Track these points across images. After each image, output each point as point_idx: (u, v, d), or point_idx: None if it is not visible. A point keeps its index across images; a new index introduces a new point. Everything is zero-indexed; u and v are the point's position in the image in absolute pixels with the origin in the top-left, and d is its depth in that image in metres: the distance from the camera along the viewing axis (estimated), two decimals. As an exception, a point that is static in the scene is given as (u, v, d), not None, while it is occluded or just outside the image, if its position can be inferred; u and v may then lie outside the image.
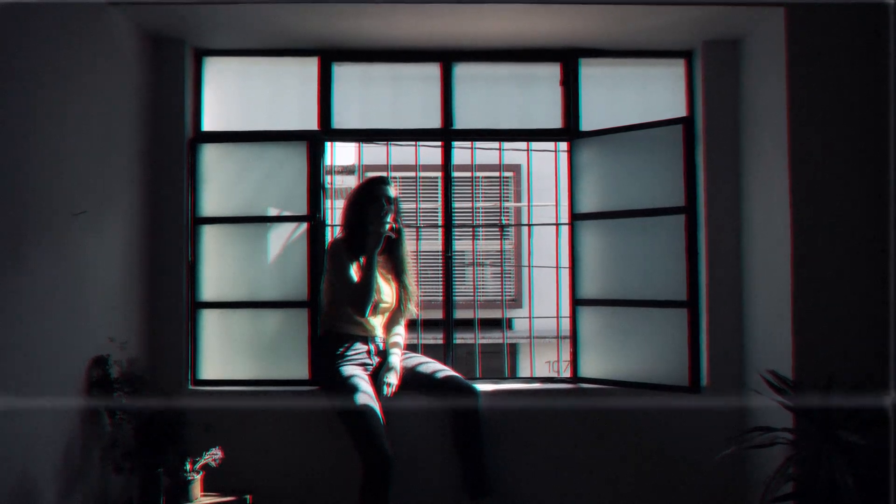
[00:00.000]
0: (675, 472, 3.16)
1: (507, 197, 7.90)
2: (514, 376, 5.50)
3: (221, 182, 3.29)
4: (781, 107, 2.88)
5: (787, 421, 2.77)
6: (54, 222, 2.48)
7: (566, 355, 3.44)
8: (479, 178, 7.68)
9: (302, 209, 3.24)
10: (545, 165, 5.45)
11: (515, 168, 7.78)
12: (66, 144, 2.55)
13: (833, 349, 2.82)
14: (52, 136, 2.46)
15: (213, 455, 2.85)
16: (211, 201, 3.28)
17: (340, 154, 8.20)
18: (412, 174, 6.95)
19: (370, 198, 3.06)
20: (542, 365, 7.47)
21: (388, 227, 3.04)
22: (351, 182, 7.94)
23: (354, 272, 3.02)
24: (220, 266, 3.27)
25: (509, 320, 8.21)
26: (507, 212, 7.92)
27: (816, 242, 2.85)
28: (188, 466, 2.78)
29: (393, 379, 3.02)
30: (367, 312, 3.00)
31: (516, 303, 8.01)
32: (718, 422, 3.13)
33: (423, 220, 7.05)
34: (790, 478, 2.61)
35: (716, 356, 3.18)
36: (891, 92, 2.62)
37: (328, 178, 3.49)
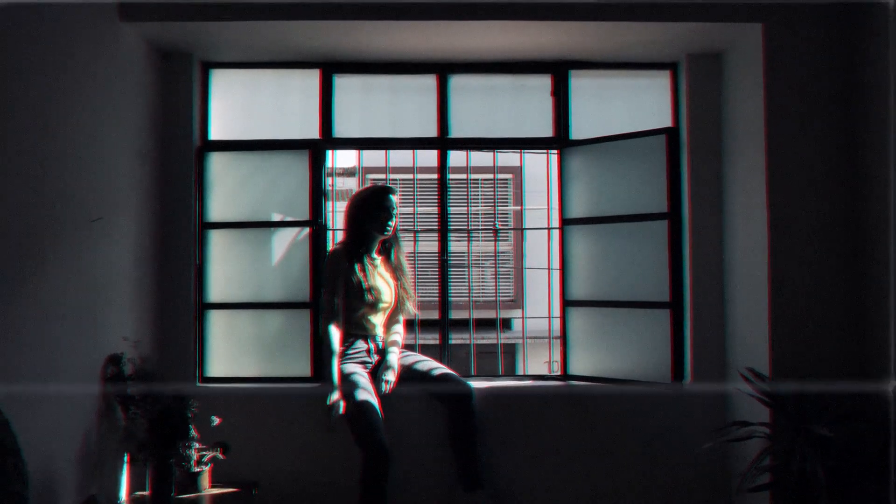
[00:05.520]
0: (659, 463, 3.26)
1: (506, 199, 7.91)
2: (507, 374, 5.60)
3: (228, 189, 3.41)
4: (760, 116, 3.00)
5: (764, 415, 2.90)
6: (71, 229, 2.61)
7: (559, 355, 3.56)
8: (477, 179, 7.69)
9: (304, 215, 3.37)
10: (543, 168, 5.48)
11: (514, 170, 7.72)
12: (81, 154, 2.68)
13: (807, 348, 2.94)
14: (68, 145, 2.59)
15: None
16: (218, 207, 3.41)
17: (341, 156, 8.24)
18: (411, 176, 7.04)
19: (376, 208, 3.14)
20: (540, 364, 7.45)
21: (390, 234, 3.16)
22: (352, 184, 8.00)
23: (356, 275, 3.11)
24: (226, 269, 3.40)
25: (508, 321, 8.25)
26: (506, 215, 7.95)
27: (793, 246, 2.96)
28: (197, 458, 2.90)
29: (391, 376, 3.12)
30: (359, 315, 3.11)
31: (515, 303, 8.01)
32: (700, 416, 3.24)
33: (422, 222, 7.15)
34: (766, 469, 2.74)
35: (698, 354, 3.29)
36: (891, 93, 2.67)
37: (329, 181, 3.60)
